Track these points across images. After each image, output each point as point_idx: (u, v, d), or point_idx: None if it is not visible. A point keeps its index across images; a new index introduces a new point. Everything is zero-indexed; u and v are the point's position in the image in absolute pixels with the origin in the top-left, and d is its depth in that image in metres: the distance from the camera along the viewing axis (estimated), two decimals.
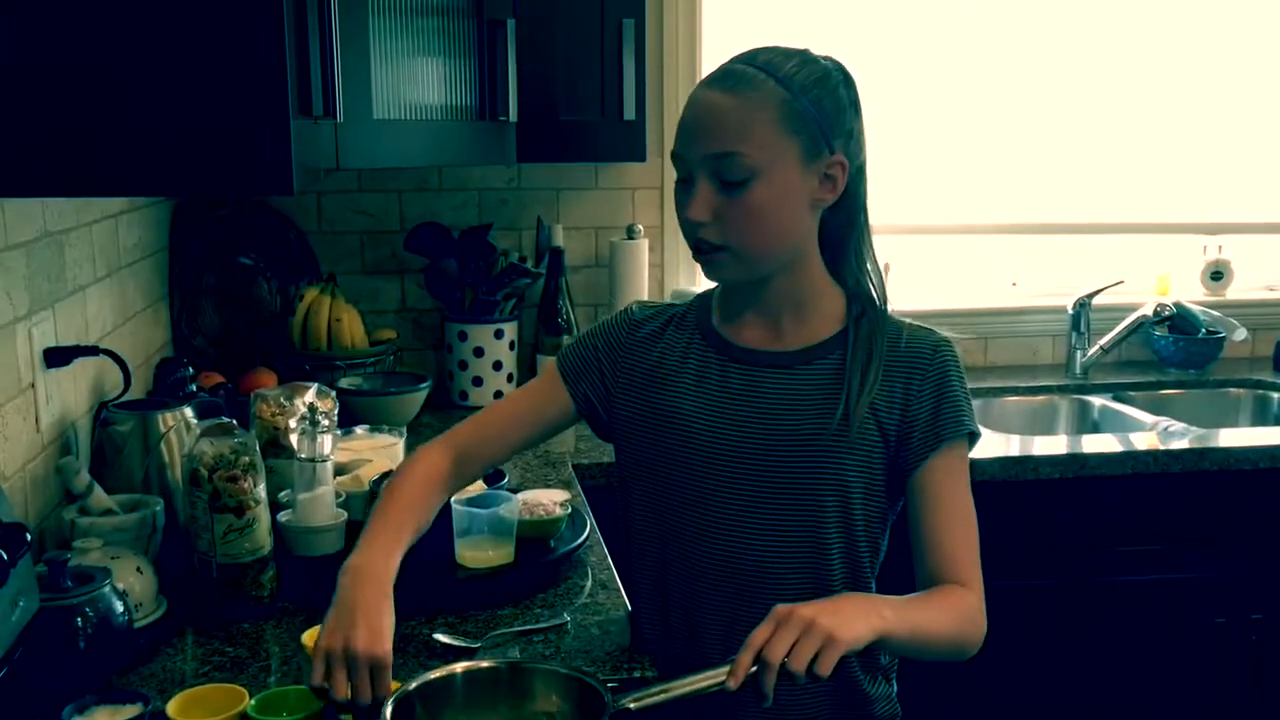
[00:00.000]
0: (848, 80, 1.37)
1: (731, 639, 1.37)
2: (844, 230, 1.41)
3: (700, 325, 1.47)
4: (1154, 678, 2.41)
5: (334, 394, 2.03)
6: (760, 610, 1.20)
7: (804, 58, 1.34)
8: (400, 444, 2.05)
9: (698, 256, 1.38)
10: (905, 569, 1.41)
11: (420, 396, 2.48)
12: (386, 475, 1.80)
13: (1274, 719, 2.47)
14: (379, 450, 2.01)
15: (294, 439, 1.82)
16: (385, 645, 1.20)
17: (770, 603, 1.20)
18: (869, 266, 1.43)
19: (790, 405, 1.39)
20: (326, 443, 1.73)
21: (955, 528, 1.39)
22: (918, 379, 1.39)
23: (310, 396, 1.97)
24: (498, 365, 2.65)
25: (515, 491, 1.81)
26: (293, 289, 2.59)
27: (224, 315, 2.57)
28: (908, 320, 1.44)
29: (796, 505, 1.38)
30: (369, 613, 1.22)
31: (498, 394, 2.66)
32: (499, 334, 2.65)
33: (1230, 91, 3.12)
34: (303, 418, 1.88)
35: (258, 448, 1.62)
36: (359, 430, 2.11)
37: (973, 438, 1.41)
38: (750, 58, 1.34)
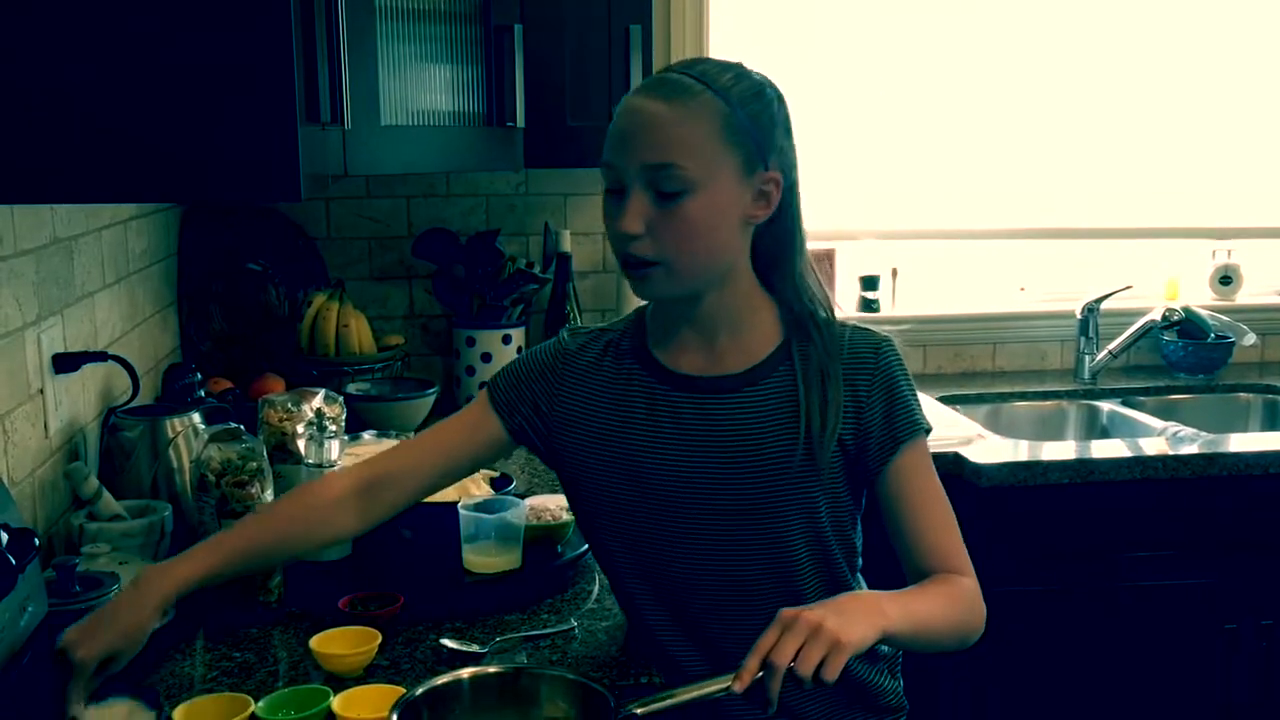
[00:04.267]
0: (780, 98, 1.34)
1: (716, 652, 1.37)
2: (780, 247, 1.38)
3: (636, 352, 1.42)
4: (1163, 683, 2.40)
5: (341, 399, 2.04)
6: (742, 626, 1.19)
7: (739, 71, 1.32)
8: None
9: (628, 271, 1.33)
10: (891, 562, 1.40)
11: (428, 402, 2.49)
12: None
13: None
14: None
15: (301, 444, 1.82)
16: (82, 651, 1.23)
17: (750, 618, 1.19)
18: (810, 282, 1.39)
19: (742, 430, 1.36)
20: (334, 448, 1.74)
21: (934, 521, 1.37)
22: (864, 384, 1.36)
23: (318, 402, 1.97)
24: None
25: (522, 497, 1.81)
26: (301, 295, 2.60)
27: (232, 321, 2.58)
28: (848, 324, 1.41)
29: (761, 526, 1.36)
30: (96, 617, 1.26)
31: None
32: (507, 339, 2.65)
33: (1239, 96, 3.12)
34: (310, 423, 1.88)
35: (265, 453, 1.62)
36: (366, 435, 2.11)
37: (926, 432, 1.39)
38: (685, 67, 1.32)
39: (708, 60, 1.34)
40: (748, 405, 1.37)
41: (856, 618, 1.18)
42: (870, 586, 1.42)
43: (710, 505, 1.36)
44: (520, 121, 2.24)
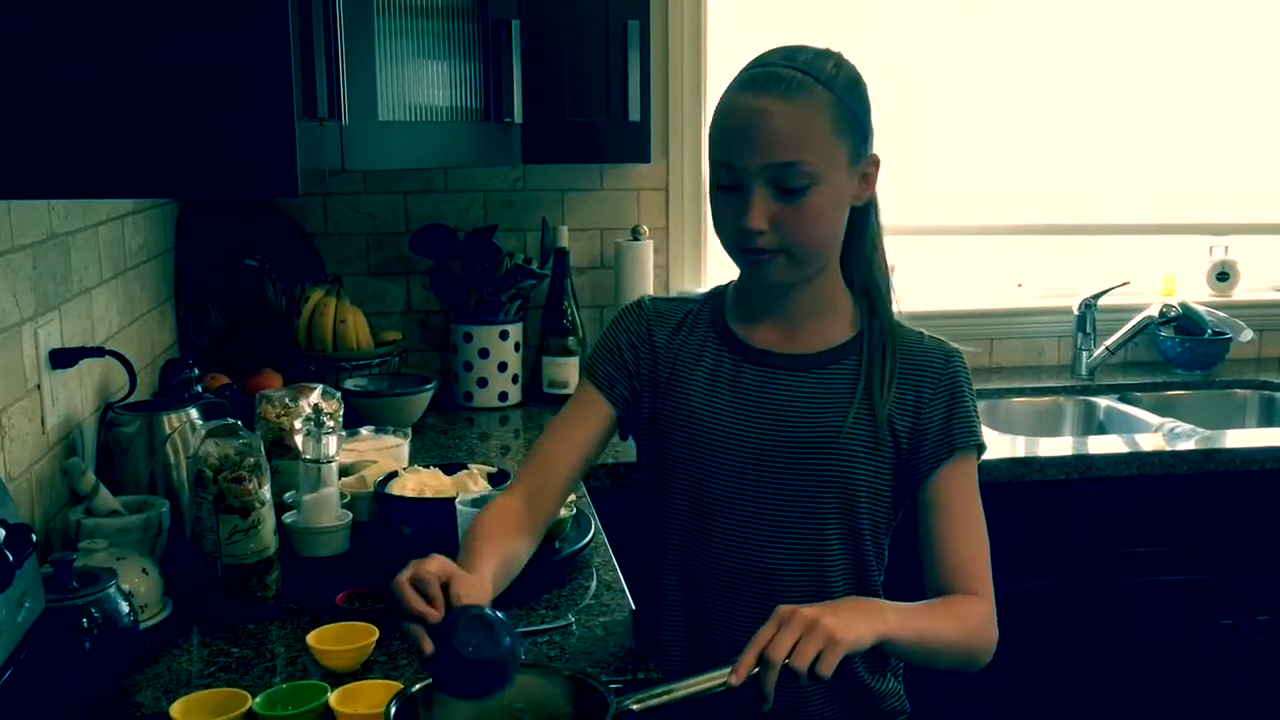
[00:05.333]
0: (864, 79, 1.38)
1: (736, 640, 1.37)
2: (859, 226, 1.42)
3: (715, 323, 1.47)
4: (1160, 679, 2.40)
5: (339, 395, 2.04)
6: (765, 613, 1.20)
7: (837, 59, 1.35)
8: (405, 445, 2.06)
9: (747, 258, 1.36)
10: (914, 578, 1.41)
11: (425, 398, 2.48)
12: (392, 476, 1.81)
13: None
14: (384, 451, 2.01)
15: (299, 440, 1.82)
16: (454, 567, 1.16)
17: (775, 606, 1.20)
18: (880, 262, 1.44)
19: (805, 409, 1.39)
20: (331, 444, 1.73)
21: (966, 538, 1.39)
22: (929, 387, 1.40)
23: (315, 398, 1.97)
24: (503, 366, 2.65)
25: None
26: (298, 290, 2.60)
27: (229, 316, 2.58)
28: (926, 332, 1.45)
29: (803, 509, 1.39)
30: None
31: (502, 395, 2.66)
32: (504, 335, 2.65)
33: (1236, 92, 3.12)
34: (308, 419, 1.88)
35: (263, 449, 1.62)
36: (364, 431, 2.11)
37: (980, 449, 1.42)
38: (788, 59, 1.32)
39: (803, 49, 1.34)
40: (812, 386, 1.40)
41: (855, 618, 1.19)
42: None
43: (757, 476, 1.39)
44: (518, 117, 2.24)
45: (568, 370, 2.71)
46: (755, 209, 1.30)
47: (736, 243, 1.35)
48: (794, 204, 1.30)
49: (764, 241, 1.32)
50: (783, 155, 1.28)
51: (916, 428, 1.39)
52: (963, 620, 1.34)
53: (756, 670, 1.15)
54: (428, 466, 1.87)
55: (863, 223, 1.41)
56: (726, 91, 1.35)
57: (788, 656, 1.14)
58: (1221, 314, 2.98)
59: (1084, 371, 2.96)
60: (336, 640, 1.42)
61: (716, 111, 1.36)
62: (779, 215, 1.30)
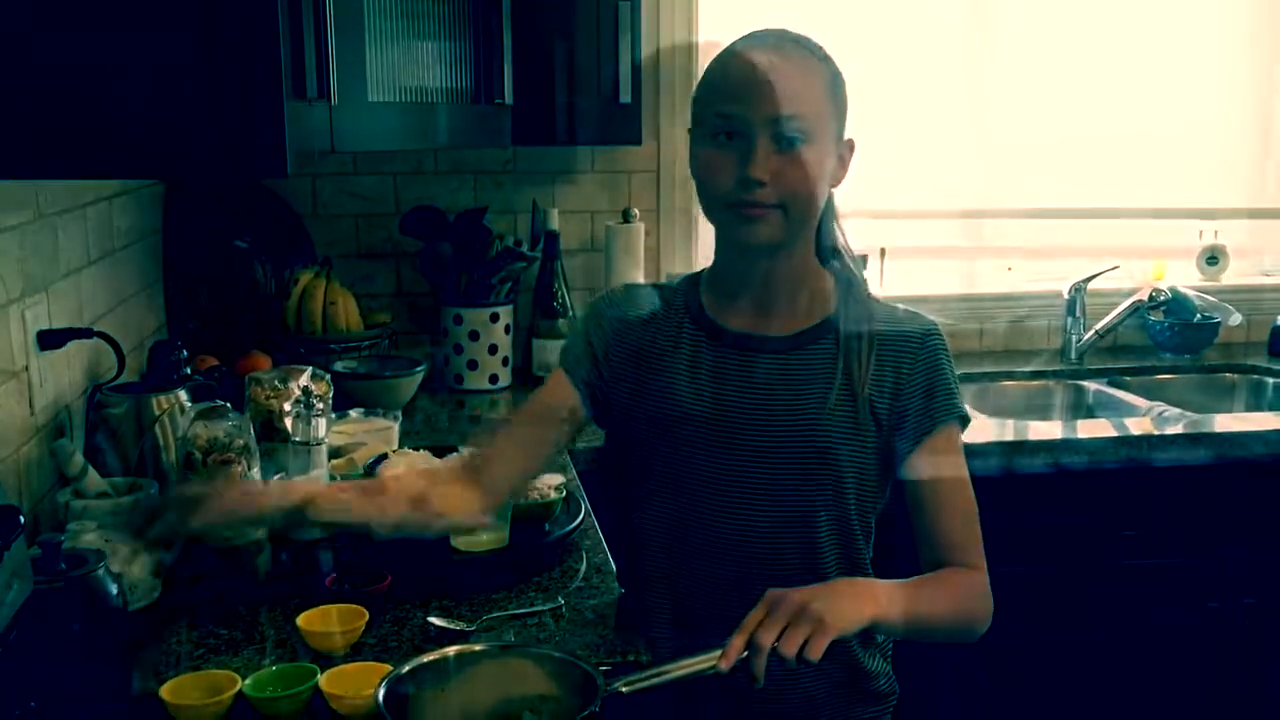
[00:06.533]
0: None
1: (726, 622, 1.37)
2: (828, 208, 1.44)
3: (690, 308, 1.46)
4: (1147, 662, 2.42)
5: (328, 377, 2.02)
6: (755, 594, 1.20)
7: (824, 50, 1.38)
8: (395, 427, 2.05)
9: (742, 214, 1.33)
10: (902, 556, 1.41)
11: (415, 380, 2.48)
12: (381, 458, 1.81)
13: (1266, 703, 2.49)
14: (373, 433, 2.01)
15: (288, 422, 1.82)
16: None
17: (765, 587, 1.20)
18: (842, 241, 1.46)
19: (785, 390, 1.39)
20: (321, 426, 1.73)
21: (955, 510, 1.39)
22: (907, 363, 1.40)
23: (305, 380, 1.96)
24: (493, 349, 2.65)
25: None
26: (288, 272, 2.59)
27: (218, 298, 2.57)
28: (899, 305, 1.45)
29: (790, 490, 1.39)
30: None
31: (493, 378, 2.66)
32: (494, 318, 2.64)
33: (1227, 77, 3.12)
34: (297, 401, 1.87)
35: (252, 431, 1.62)
36: (353, 414, 2.11)
37: (964, 421, 1.42)
38: (783, 34, 1.36)
39: (786, 30, 1.38)
40: (791, 367, 1.40)
41: (845, 601, 1.19)
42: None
43: (742, 463, 1.39)
44: (509, 98, 2.23)
45: (558, 353, 2.70)
46: (759, 158, 1.30)
47: (733, 195, 1.32)
48: (789, 155, 1.30)
49: (763, 195, 1.31)
50: (787, 108, 1.29)
51: (896, 406, 1.39)
52: (956, 593, 1.35)
53: (746, 654, 1.15)
54: (418, 449, 1.87)
55: (830, 205, 1.44)
56: (721, 54, 1.36)
57: (776, 641, 1.14)
58: (1210, 298, 2.99)
59: (1073, 355, 2.97)
60: (326, 622, 1.42)
61: (711, 69, 1.36)
62: (778, 168, 1.31)
